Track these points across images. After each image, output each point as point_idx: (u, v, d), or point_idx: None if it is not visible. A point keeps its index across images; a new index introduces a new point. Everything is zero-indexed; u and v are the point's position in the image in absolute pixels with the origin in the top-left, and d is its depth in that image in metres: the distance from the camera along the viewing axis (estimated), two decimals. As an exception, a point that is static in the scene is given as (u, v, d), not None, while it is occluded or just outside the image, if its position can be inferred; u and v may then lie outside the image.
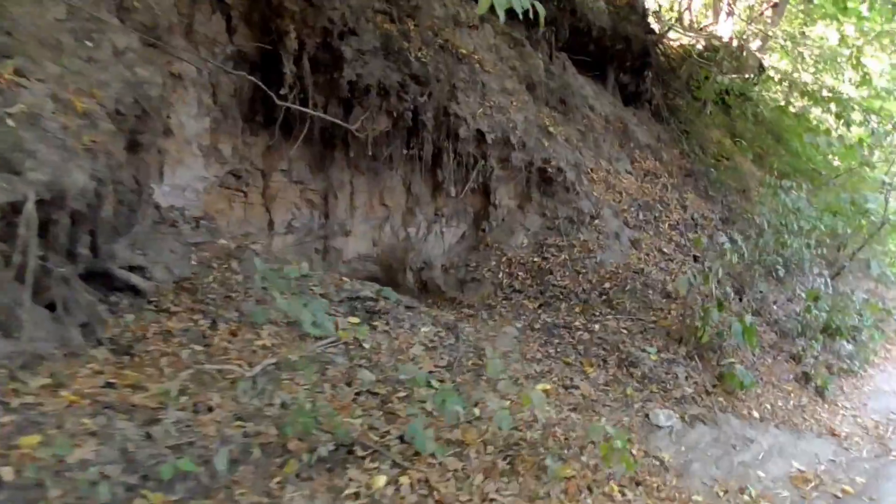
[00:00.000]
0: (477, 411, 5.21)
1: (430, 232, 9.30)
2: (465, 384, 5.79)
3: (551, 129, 9.80)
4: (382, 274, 9.38)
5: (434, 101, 8.44)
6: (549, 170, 9.46)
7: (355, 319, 6.09)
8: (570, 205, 9.63)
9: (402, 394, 5.35)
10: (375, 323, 6.25)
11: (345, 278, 7.15)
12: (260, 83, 7.36)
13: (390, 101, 8.08)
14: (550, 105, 10.62)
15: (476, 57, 9.31)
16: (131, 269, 5.26)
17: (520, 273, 8.93)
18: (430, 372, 5.87)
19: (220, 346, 5.04)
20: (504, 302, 8.44)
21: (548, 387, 6.38)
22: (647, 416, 6.73)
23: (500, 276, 8.86)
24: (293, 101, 7.74)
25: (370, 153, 8.31)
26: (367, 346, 5.81)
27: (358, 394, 5.05)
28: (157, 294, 5.38)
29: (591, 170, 10.32)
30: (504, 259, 9.08)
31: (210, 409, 4.23)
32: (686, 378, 7.52)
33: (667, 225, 10.85)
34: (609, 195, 10.28)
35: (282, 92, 7.64)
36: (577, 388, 6.70)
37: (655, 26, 15.29)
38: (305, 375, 4.88)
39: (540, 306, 8.38)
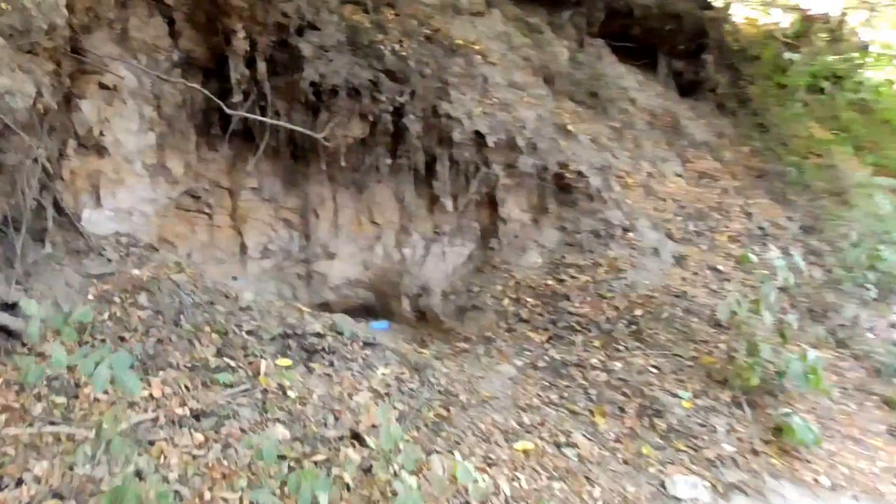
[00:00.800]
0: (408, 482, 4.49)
1: (429, 252, 8.59)
2: (412, 442, 5.09)
3: (571, 127, 8.89)
4: (377, 301, 8.77)
5: (419, 101, 7.73)
6: (568, 175, 8.56)
7: (285, 361, 5.37)
8: (594, 216, 8.69)
9: (320, 456, 4.72)
10: (313, 364, 5.49)
11: (304, 309, 6.57)
12: (204, 91, 6.91)
13: (362, 102, 7.42)
14: (576, 99, 9.71)
15: (476, 47, 8.57)
16: (7, 306, 4.76)
17: (529, 299, 8.07)
18: (375, 426, 5.22)
19: (90, 396, 4.47)
20: (506, 334, 7.58)
21: (529, 446, 5.53)
22: (662, 484, 5.78)
23: (505, 302, 8.03)
24: (250, 108, 7.30)
25: (345, 164, 7.75)
26: (293, 394, 5.14)
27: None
28: (38, 333, 4.70)
29: (626, 173, 9.33)
30: (512, 282, 8.24)
31: (20, 483, 3.63)
32: (727, 432, 6.40)
33: (725, 237, 9.68)
34: (648, 203, 9.26)
35: (234, 100, 7.20)
36: (573, 445, 5.75)
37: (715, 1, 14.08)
38: (186, 434, 4.34)
39: (549, 339, 7.47)
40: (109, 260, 5.95)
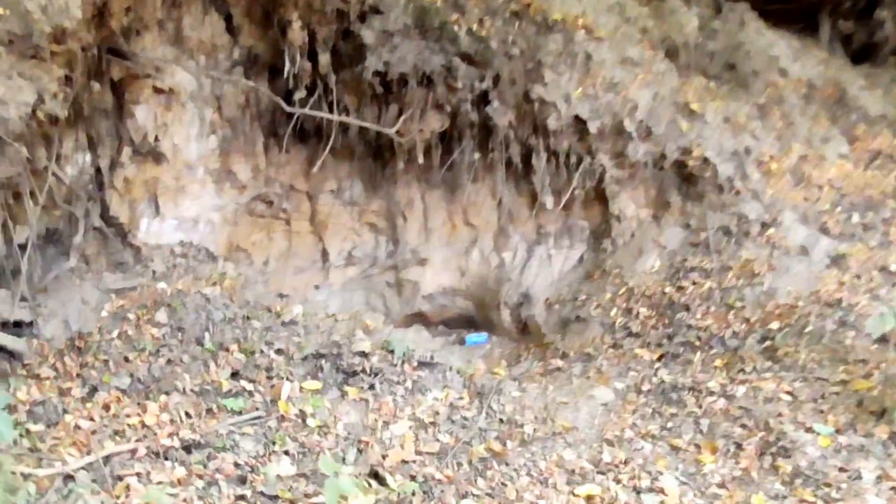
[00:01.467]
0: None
1: (532, 256, 7.88)
2: (444, 484, 4.52)
3: (696, 106, 7.81)
4: (476, 311, 8.23)
5: (506, 86, 7.06)
6: (691, 163, 7.52)
7: (314, 384, 4.99)
8: (726, 210, 7.53)
9: (321, 498, 4.18)
10: (349, 388, 5.07)
11: (370, 323, 6.05)
12: (261, 88, 6.75)
13: (436, 91, 6.91)
14: (709, 74, 8.56)
15: (580, 22, 7.80)
16: (14, 325, 4.84)
17: (641, 309, 7.13)
18: (406, 462, 4.70)
19: (72, 424, 4.21)
20: (611, 350, 6.73)
21: (596, 491, 4.69)
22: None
23: (613, 313, 7.14)
24: (315, 105, 7.05)
25: (428, 161, 7.29)
26: (313, 422, 4.61)
27: (241, 498, 3.85)
28: (40, 355, 4.85)
29: (770, 158, 8.09)
30: (623, 290, 7.32)
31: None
32: (877, 479, 5.23)
33: (902, 230, 8.24)
34: (797, 192, 7.93)
35: (297, 96, 7.05)
36: (658, 491, 4.85)
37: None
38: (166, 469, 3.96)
39: (660, 357, 6.52)
40: (154, 272, 5.95)
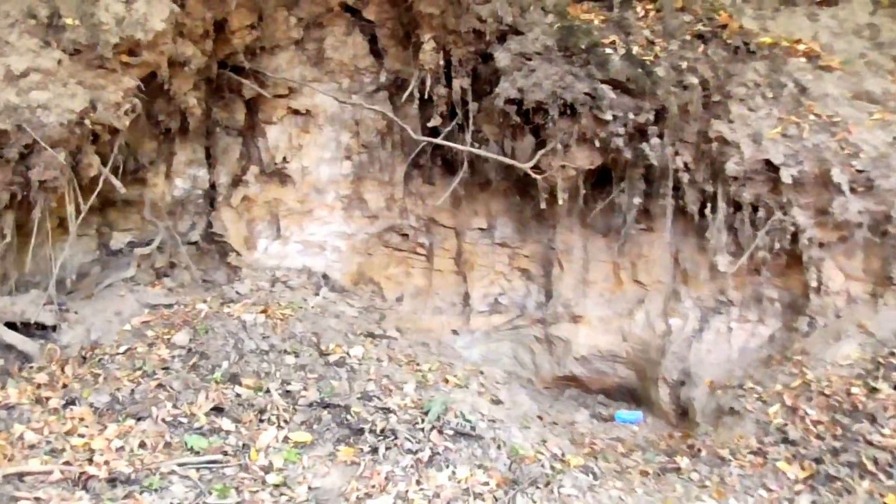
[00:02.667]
0: None
1: (707, 326, 6.71)
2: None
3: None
4: (639, 384, 7.39)
5: (674, 121, 6.29)
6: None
7: (303, 436, 4.66)
8: (973, 297, 5.88)
9: None
10: (343, 448, 4.61)
11: (427, 376, 5.61)
12: (389, 114, 6.74)
13: (580, 123, 6.42)
14: None
15: (800, 47, 6.60)
16: (39, 327, 5.26)
17: (810, 410, 5.71)
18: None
19: (17, 434, 4.35)
20: (749, 457, 5.50)
21: None
22: None
23: (774, 410, 5.89)
24: (451, 134, 6.89)
25: (576, 203, 6.69)
26: (274, 479, 4.25)
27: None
28: (47, 359, 5.13)
29: None
30: (798, 382, 5.90)
31: None
32: None
33: None
34: None
35: (431, 123, 6.87)
36: None
37: None
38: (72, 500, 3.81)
39: (809, 478, 5.14)
40: (237, 293, 6.27)
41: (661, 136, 6.33)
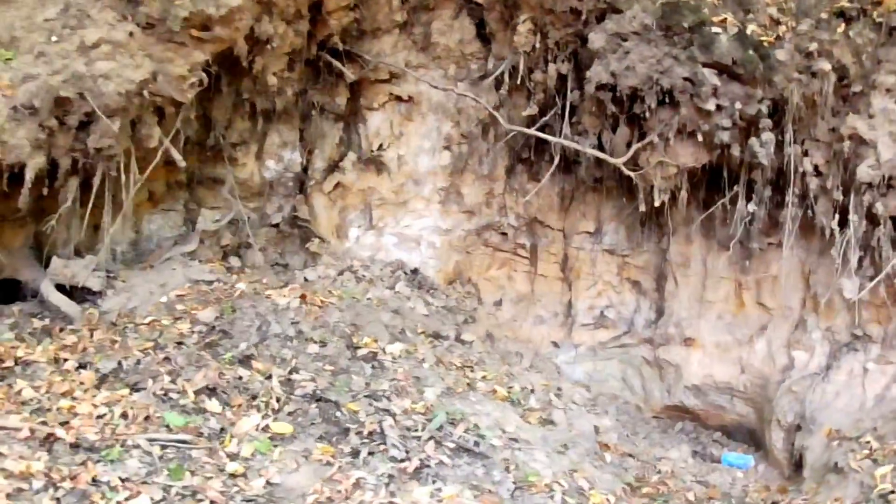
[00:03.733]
0: None
1: (837, 364, 5.46)
2: None
3: None
4: (758, 424, 6.13)
5: (801, 114, 5.13)
6: None
7: (283, 427, 4.27)
8: None
9: None
10: (322, 445, 4.16)
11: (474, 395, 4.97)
12: (479, 100, 6.26)
13: (680, 113, 5.42)
14: None
15: None
16: (82, 289, 5.32)
17: None
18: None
19: (15, 390, 4.30)
20: None
21: None
22: None
23: (882, 473, 4.39)
24: (549, 124, 6.15)
25: (684, 208, 5.75)
26: (234, 467, 3.88)
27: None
28: (84, 322, 5.14)
29: None
30: None
31: None
32: None
33: None
34: None
35: (526, 112, 6.19)
36: None
37: None
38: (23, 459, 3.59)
39: None
40: (305, 279, 6.00)
41: (779, 132, 5.35)
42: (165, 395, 4.54)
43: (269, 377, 4.75)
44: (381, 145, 6.59)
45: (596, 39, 5.47)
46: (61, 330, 5.18)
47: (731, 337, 6.14)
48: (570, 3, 5.58)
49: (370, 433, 4.40)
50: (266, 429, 4.39)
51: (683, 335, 6.28)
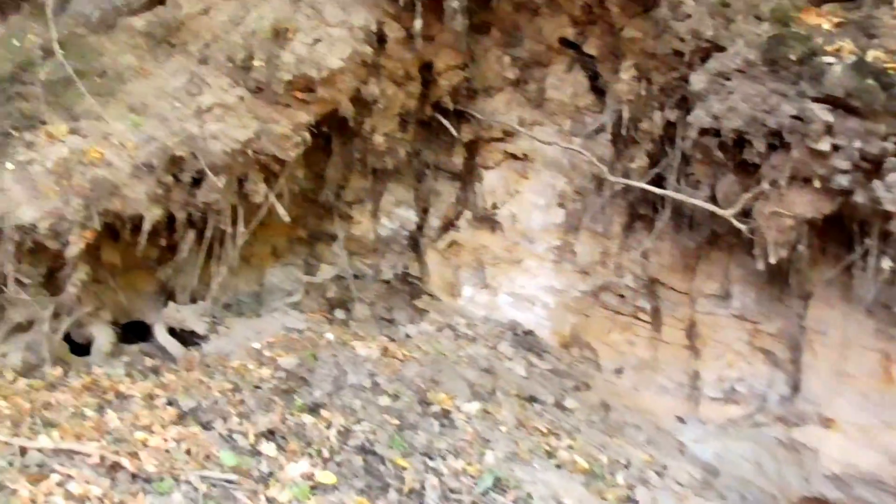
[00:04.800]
0: None
1: None
2: None
3: None
4: None
5: None
6: None
7: (329, 478, 4.12)
8: None
9: None
10: (356, 499, 3.97)
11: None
12: (587, 156, 5.96)
13: (791, 156, 4.59)
14: None
15: None
16: (191, 333, 5.66)
17: None
18: None
19: (104, 420, 4.50)
20: None
21: None
22: None
23: None
24: (661, 176, 5.53)
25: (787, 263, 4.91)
26: None
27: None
28: (185, 363, 5.37)
29: None
30: None
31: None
32: None
33: None
34: None
35: (635, 164, 5.66)
36: None
37: None
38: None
39: None
40: (406, 335, 5.84)
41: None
42: (230, 434, 4.62)
43: (329, 426, 4.73)
44: (493, 204, 6.46)
45: (697, 81, 4.98)
46: (165, 369, 5.50)
47: (877, 419, 5.09)
48: (673, 44, 5.17)
49: (410, 491, 4.22)
50: (311, 477, 4.33)
51: (821, 414, 5.35)
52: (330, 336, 5.64)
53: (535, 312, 6.41)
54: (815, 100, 4.50)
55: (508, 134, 6.39)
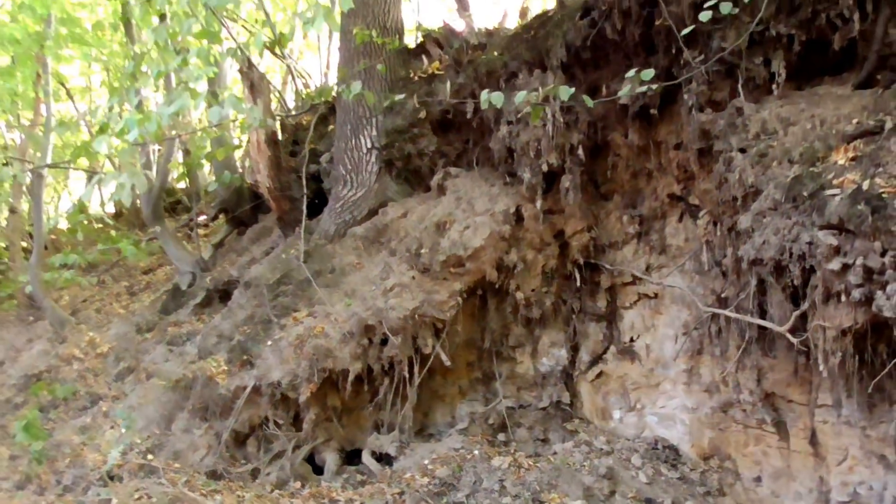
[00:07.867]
0: None
1: None
2: None
3: None
4: None
5: None
6: None
7: None
8: None
9: None
10: None
11: None
12: (684, 289, 6.77)
13: (818, 276, 4.76)
14: None
15: None
16: (387, 455, 7.06)
17: None
18: None
19: None
20: None
21: None
22: None
23: None
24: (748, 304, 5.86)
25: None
26: None
27: None
28: (380, 476, 6.71)
29: None
30: None
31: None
32: None
33: None
34: None
35: (724, 293, 6.14)
36: None
37: None
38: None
39: None
40: (554, 451, 6.75)
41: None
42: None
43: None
44: (630, 337, 7.34)
45: (743, 220, 5.72)
46: (368, 482, 7.11)
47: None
48: (731, 192, 5.95)
49: None
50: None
51: (932, 513, 5.33)
52: (476, 452, 6.90)
53: (677, 429, 7.05)
54: (822, 227, 5.06)
55: (638, 278, 7.36)
